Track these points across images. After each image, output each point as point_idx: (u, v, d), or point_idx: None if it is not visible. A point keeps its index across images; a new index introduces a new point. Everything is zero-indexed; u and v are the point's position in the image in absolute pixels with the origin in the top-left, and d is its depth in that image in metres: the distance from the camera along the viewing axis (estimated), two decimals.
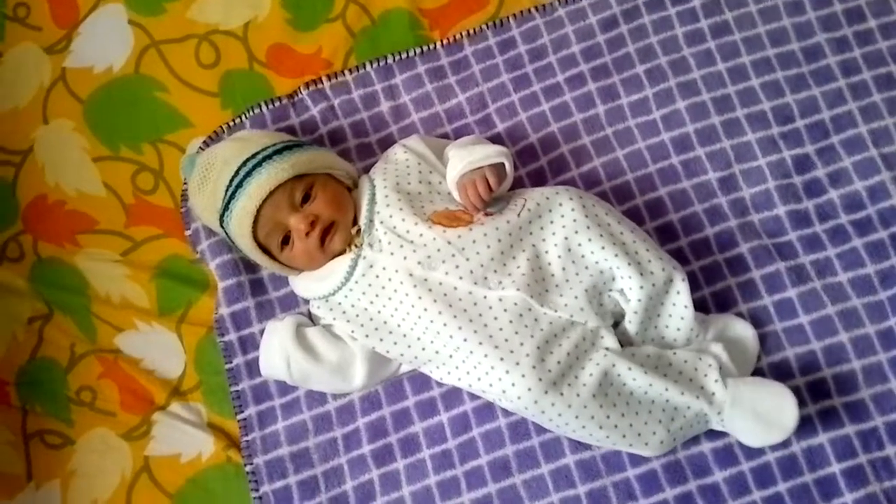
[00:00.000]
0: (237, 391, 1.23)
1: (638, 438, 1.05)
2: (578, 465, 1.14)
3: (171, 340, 1.28)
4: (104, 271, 1.32)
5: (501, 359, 1.05)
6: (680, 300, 1.10)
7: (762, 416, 1.05)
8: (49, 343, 1.30)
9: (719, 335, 1.14)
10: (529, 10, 1.34)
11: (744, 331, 1.16)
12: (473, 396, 1.17)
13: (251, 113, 1.33)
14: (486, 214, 1.14)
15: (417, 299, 1.10)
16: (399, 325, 1.12)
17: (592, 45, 1.31)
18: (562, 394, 1.03)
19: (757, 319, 1.17)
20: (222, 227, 1.18)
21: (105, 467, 1.25)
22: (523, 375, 1.03)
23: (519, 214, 1.12)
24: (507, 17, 1.34)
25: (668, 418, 1.06)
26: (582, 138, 1.28)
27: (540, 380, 1.03)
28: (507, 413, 1.16)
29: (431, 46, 1.34)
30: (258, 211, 1.12)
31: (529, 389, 1.03)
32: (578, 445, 1.13)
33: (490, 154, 1.15)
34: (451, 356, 1.09)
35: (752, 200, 1.23)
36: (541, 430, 1.15)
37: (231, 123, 1.33)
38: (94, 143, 1.37)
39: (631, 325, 1.10)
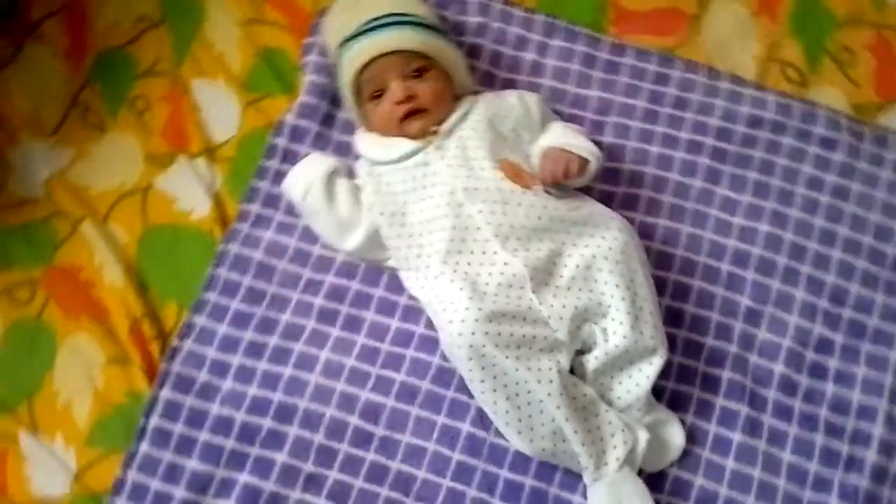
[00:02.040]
0: (255, 187, 1.31)
1: (526, 433, 1.09)
2: (469, 437, 1.18)
3: (235, 112, 1.37)
4: (224, 22, 1.41)
5: (470, 297, 1.09)
6: (646, 371, 1.13)
7: None
8: (144, 45, 1.41)
9: (653, 425, 1.16)
10: (699, 65, 1.37)
11: (675, 437, 1.18)
12: (428, 324, 1.22)
13: None
14: (546, 192, 1.18)
15: (443, 216, 1.15)
16: (412, 224, 1.17)
17: (730, 129, 1.34)
18: (494, 356, 1.07)
19: (692, 436, 1.19)
20: (339, 51, 1.24)
21: (116, 168, 1.34)
22: (476, 320, 1.07)
23: (570, 211, 1.16)
24: (677, 59, 1.37)
25: (560, 440, 1.10)
26: (665, 194, 1.31)
27: (486, 333, 1.07)
28: (444, 358, 1.20)
29: (600, 36, 1.38)
30: (375, 58, 1.18)
31: (473, 333, 1.07)
32: (481, 421, 1.18)
33: (586, 147, 1.20)
34: (435, 276, 1.14)
35: (761, 343, 1.25)
36: (460, 388, 1.19)
37: None
38: None
39: (592, 362, 1.13)
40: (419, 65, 1.20)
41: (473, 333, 1.07)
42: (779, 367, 1.23)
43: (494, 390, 1.09)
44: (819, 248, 1.28)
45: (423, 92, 1.20)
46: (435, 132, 1.21)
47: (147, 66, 1.40)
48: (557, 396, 1.07)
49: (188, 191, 1.32)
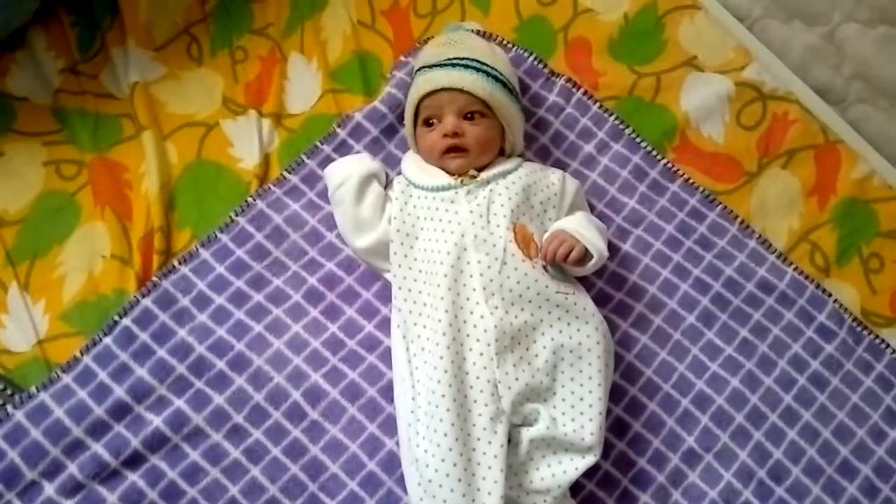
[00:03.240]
0: (303, 161, 1.39)
1: (422, 454, 1.13)
2: (389, 454, 1.24)
3: (315, 93, 1.46)
4: (340, 16, 1.52)
5: (447, 328, 1.16)
6: (576, 463, 1.16)
7: None
8: (265, 7, 1.52)
9: None
10: (736, 217, 1.42)
11: None
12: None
13: (528, 53, 1.48)
14: (544, 267, 1.23)
15: (446, 254, 1.21)
16: (418, 250, 1.24)
17: (740, 283, 1.38)
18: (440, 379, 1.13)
19: None
20: (416, 74, 1.34)
21: (195, 98, 1.46)
22: (447, 348, 1.14)
23: (558, 293, 1.20)
24: (719, 204, 1.42)
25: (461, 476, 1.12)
26: (657, 316, 1.35)
27: (451, 362, 1.14)
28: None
29: (658, 156, 1.44)
30: (441, 89, 1.27)
31: (440, 357, 1.14)
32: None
33: (594, 242, 1.24)
34: (414, 300, 1.21)
35: (689, 485, 1.27)
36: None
37: (510, 46, 1.48)
38: None
39: (531, 433, 1.15)
40: (477, 109, 1.27)
41: (441, 358, 1.13)
42: None
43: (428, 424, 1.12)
44: (778, 422, 1.31)
45: (471, 133, 1.27)
46: (473, 176, 1.28)
47: (260, 25, 1.51)
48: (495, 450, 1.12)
49: (246, 142, 1.42)
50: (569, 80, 1.48)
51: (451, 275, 1.19)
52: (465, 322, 1.17)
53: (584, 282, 1.31)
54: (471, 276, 1.19)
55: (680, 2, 1.54)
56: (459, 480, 1.10)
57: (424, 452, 1.12)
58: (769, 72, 1.51)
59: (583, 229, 1.25)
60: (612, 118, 1.46)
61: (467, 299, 1.19)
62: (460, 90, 1.26)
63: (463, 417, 1.12)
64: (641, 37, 1.52)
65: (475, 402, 1.14)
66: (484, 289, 1.18)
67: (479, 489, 1.10)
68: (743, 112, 1.48)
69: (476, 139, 1.27)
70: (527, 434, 1.16)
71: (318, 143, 1.41)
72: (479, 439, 1.12)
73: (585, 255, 1.23)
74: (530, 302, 1.19)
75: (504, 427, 1.14)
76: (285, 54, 1.50)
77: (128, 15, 1.48)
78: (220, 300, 1.30)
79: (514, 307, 1.18)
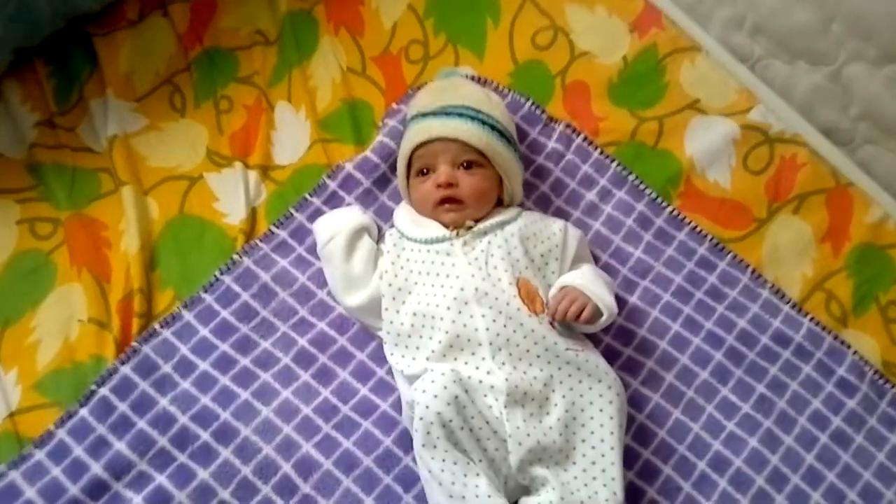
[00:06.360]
0: (291, 215, 1.33)
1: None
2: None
3: (304, 143, 1.41)
4: (329, 63, 1.47)
5: (452, 382, 1.09)
6: None
7: None
8: (251, 56, 1.48)
9: None
10: (747, 265, 1.36)
11: None
12: (394, 404, 1.21)
13: (525, 99, 1.43)
14: (551, 324, 1.17)
15: (446, 309, 1.15)
16: (413, 305, 1.18)
17: (755, 336, 1.31)
18: (453, 432, 1.06)
19: None
20: (409, 122, 1.29)
21: (178, 151, 1.40)
22: (453, 396, 1.08)
23: (569, 350, 1.14)
24: (729, 252, 1.36)
25: None
26: (669, 373, 1.28)
27: (454, 411, 1.07)
28: (397, 442, 1.19)
29: (664, 203, 1.39)
30: (435, 139, 1.22)
31: (448, 404, 1.07)
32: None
33: (604, 299, 1.18)
34: (413, 358, 1.16)
35: None
36: (400, 478, 1.17)
37: (506, 92, 1.44)
38: None
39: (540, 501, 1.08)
40: (472, 158, 1.22)
41: (449, 404, 1.06)
42: None
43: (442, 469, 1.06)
44: (801, 483, 1.23)
45: (465, 184, 1.22)
46: (469, 228, 1.22)
47: (245, 73, 1.46)
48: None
49: (231, 195, 1.36)
50: (568, 125, 1.43)
51: (452, 330, 1.14)
52: (469, 378, 1.11)
53: (591, 337, 1.25)
54: (475, 331, 1.14)
55: (680, 44, 1.50)
56: None
57: None
58: (774, 114, 1.47)
59: (591, 285, 1.20)
60: (614, 164, 1.40)
61: (472, 354, 1.13)
62: (454, 139, 1.21)
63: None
64: (642, 80, 1.47)
65: (480, 461, 1.07)
66: (490, 344, 1.13)
67: None
68: (750, 156, 1.43)
69: (472, 190, 1.22)
70: (537, 502, 1.08)
71: (307, 196, 1.35)
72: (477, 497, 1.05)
73: (595, 313, 1.17)
74: (539, 357, 1.13)
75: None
76: (272, 103, 1.45)
77: (107, 65, 1.43)
78: (204, 365, 1.23)
79: (522, 362, 1.13)
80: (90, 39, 1.44)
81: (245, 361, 1.23)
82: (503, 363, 1.12)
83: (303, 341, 1.26)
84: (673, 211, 1.38)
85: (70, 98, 1.42)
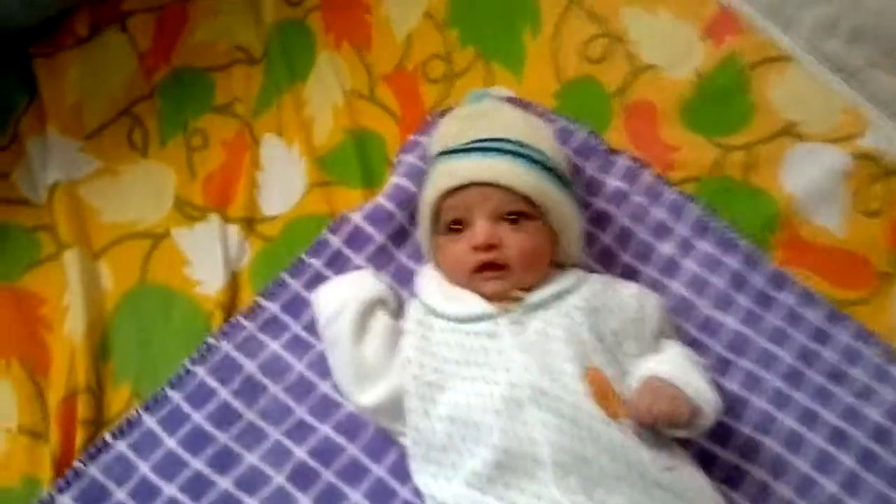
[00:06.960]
0: (284, 282, 1.09)
1: None
2: None
3: (298, 188, 1.19)
4: (329, 85, 1.27)
5: None
6: None
7: None
8: (230, 77, 1.27)
9: None
10: (875, 337, 1.11)
11: None
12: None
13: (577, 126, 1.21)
14: (638, 428, 0.91)
15: (493, 412, 0.89)
16: (449, 406, 0.92)
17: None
18: None
19: None
20: (433, 161, 1.06)
21: (138, 201, 1.18)
22: None
23: (660, 471, 0.88)
24: (851, 320, 1.12)
25: None
26: (784, 487, 1.01)
27: None
28: None
29: (762, 257, 1.15)
30: (468, 185, 0.99)
31: None
32: None
33: (704, 393, 0.93)
34: (446, 477, 0.92)
35: None
36: None
37: (554, 117, 1.21)
38: None
39: None
40: (519, 209, 0.98)
41: None
42: None
43: None
44: None
45: (512, 244, 0.97)
46: (518, 299, 0.97)
47: (224, 101, 1.25)
48: None
49: (206, 258, 1.13)
50: (633, 157, 1.20)
51: (501, 444, 0.88)
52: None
53: (679, 440, 0.97)
54: (533, 445, 0.88)
55: (766, 53, 1.26)
56: None
57: None
58: (888, 139, 1.22)
59: (684, 373, 0.95)
60: (694, 206, 1.17)
61: (530, 478, 0.88)
62: (494, 185, 0.97)
63: None
64: (722, 99, 1.24)
65: None
66: (555, 463, 0.87)
67: None
68: (864, 193, 1.19)
69: (520, 251, 0.98)
70: None
71: (303, 257, 1.11)
72: None
73: (694, 413, 0.92)
74: (620, 482, 0.87)
75: None
76: (257, 137, 1.23)
77: (49, 93, 1.21)
78: (170, 490, 0.96)
79: (598, 490, 0.87)
80: (30, 62, 1.23)
81: (224, 484, 0.97)
82: (574, 493, 0.86)
83: (301, 453, 1.00)
84: (775, 266, 1.14)
85: (2, 136, 1.20)
